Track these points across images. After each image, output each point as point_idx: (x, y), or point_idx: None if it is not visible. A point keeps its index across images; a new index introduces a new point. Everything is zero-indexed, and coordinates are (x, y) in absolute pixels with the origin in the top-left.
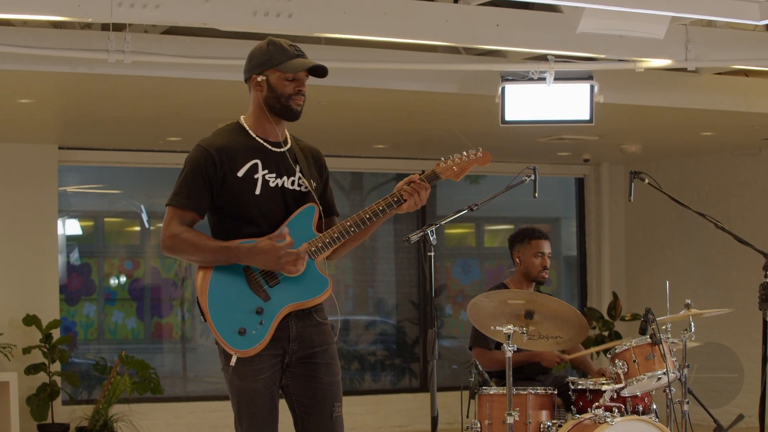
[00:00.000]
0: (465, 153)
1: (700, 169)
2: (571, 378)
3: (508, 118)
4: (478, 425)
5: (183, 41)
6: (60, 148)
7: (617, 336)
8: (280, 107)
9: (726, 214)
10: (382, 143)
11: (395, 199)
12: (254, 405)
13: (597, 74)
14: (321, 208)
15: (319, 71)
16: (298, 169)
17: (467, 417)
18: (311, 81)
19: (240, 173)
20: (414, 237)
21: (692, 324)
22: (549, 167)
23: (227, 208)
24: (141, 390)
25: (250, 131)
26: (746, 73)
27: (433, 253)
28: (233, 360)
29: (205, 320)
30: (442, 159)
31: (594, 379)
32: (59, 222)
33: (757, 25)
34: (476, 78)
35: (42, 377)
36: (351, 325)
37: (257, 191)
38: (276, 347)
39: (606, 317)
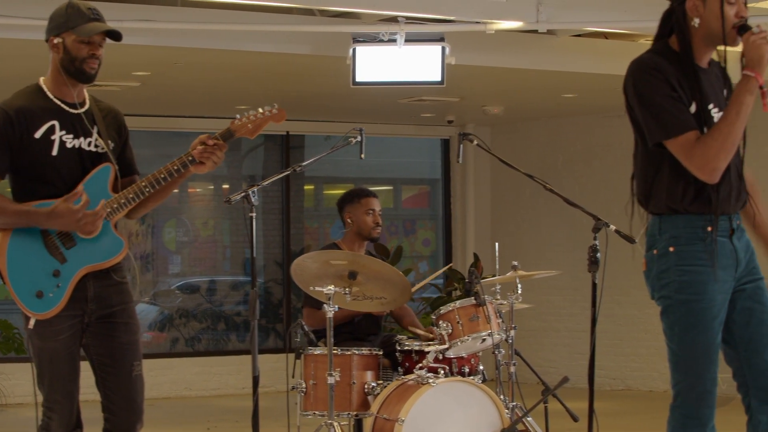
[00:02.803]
0: (260, 110)
1: (564, 131)
2: (398, 338)
3: (358, 79)
4: (303, 385)
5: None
6: None
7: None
8: (74, 70)
9: (591, 176)
10: (243, 104)
11: (190, 158)
12: (55, 365)
13: (454, 36)
14: (118, 168)
15: (115, 35)
16: (95, 130)
17: (293, 377)
18: (164, 42)
19: (37, 134)
20: (235, 197)
21: (519, 285)
22: (414, 128)
23: (25, 169)
24: (5, 350)
25: (48, 93)
26: (605, 35)
27: (254, 214)
28: (31, 322)
29: (4, 283)
30: (237, 116)
31: (420, 340)
32: None
33: None
34: (329, 40)
35: None
36: (218, 285)
37: (54, 152)
38: (75, 308)
39: (467, 278)
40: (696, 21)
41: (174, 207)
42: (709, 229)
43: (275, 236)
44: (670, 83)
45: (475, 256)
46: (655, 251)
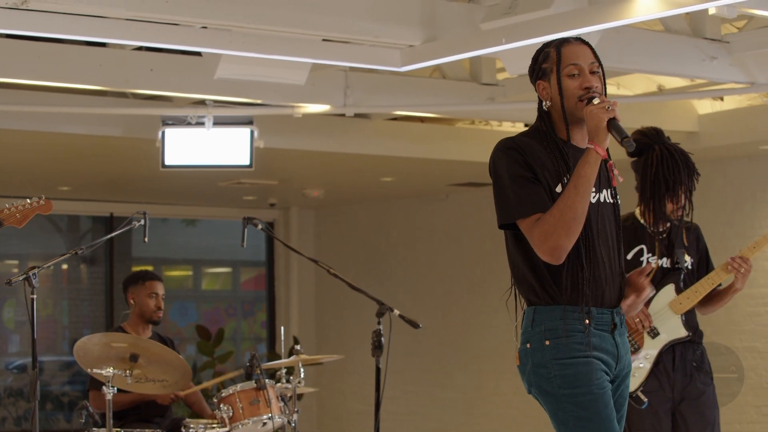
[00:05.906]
0: (28, 200)
1: (388, 213)
2: (186, 421)
3: (167, 162)
4: None
5: None
6: None
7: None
8: None
9: (414, 259)
10: (66, 185)
11: None
12: None
13: (265, 119)
14: None
15: None
16: None
17: None
18: None
19: None
20: (16, 279)
21: (301, 369)
22: (236, 211)
23: None
24: None
25: None
26: (422, 119)
27: (35, 296)
28: None
29: None
30: (7, 206)
31: (205, 422)
32: None
33: (410, 70)
34: (140, 122)
35: None
36: (45, 365)
37: None
38: None
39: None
40: (546, 103)
41: (13, 287)
42: (587, 321)
43: (101, 317)
44: (525, 163)
45: (295, 339)
46: (528, 345)
